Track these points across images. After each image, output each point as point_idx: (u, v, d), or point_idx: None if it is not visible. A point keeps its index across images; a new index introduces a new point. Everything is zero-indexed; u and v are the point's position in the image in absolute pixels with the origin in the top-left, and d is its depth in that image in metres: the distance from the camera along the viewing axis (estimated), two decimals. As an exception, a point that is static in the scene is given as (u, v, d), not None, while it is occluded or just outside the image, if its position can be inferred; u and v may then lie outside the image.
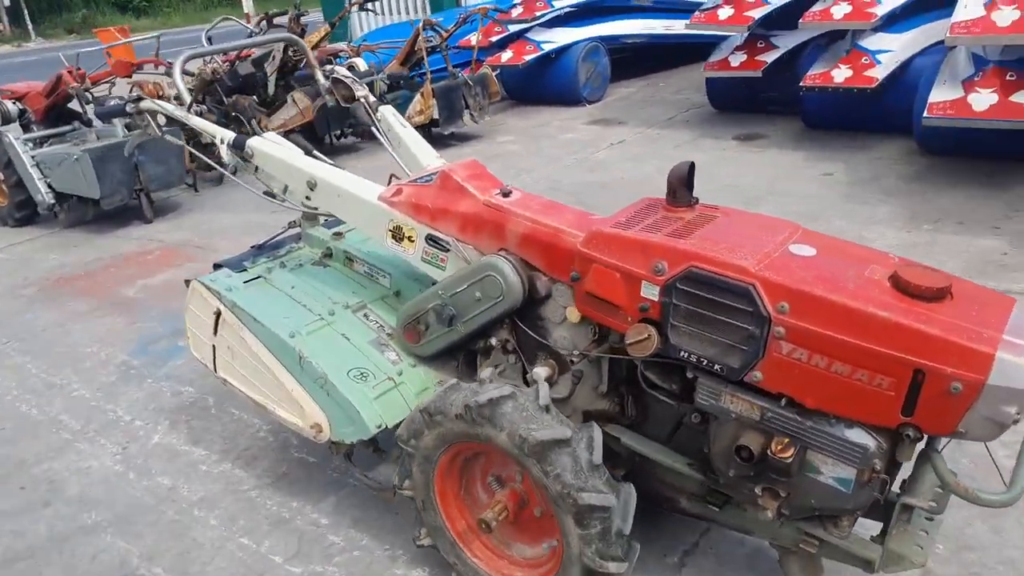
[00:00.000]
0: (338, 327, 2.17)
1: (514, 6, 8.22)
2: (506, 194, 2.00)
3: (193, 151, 3.38)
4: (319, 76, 2.95)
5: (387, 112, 2.66)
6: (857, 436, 1.51)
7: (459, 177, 2.04)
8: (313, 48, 6.84)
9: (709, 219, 1.76)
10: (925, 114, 4.69)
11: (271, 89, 6.50)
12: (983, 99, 4.58)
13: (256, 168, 2.41)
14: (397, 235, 2.10)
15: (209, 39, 6.51)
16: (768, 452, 1.57)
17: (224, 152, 2.38)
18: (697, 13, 6.47)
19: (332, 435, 2.02)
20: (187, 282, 2.39)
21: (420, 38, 6.78)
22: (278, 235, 2.73)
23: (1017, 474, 1.48)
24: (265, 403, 2.17)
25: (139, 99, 2.73)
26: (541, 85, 8.27)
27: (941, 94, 4.78)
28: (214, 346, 2.26)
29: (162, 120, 2.80)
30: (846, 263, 1.59)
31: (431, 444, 1.90)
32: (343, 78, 2.74)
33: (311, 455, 2.75)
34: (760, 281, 1.52)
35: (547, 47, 8.05)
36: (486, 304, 1.93)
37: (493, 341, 2.05)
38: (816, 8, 5.69)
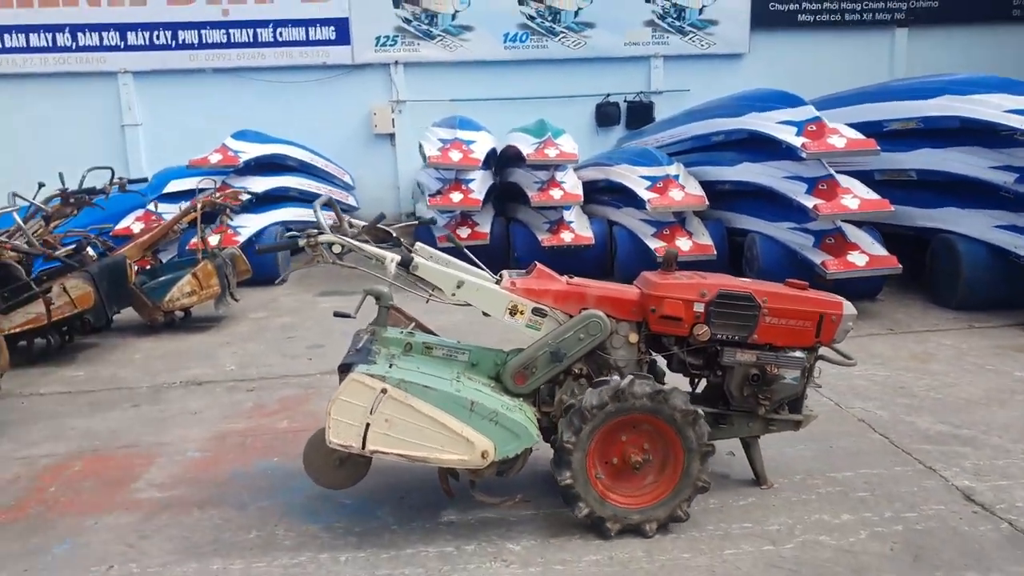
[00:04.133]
0: (468, 385, 2.95)
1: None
2: (571, 278, 3.26)
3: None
4: (346, 225, 3.42)
5: (420, 245, 3.45)
6: (799, 354, 3.13)
7: (547, 270, 3.28)
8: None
9: (693, 274, 3.28)
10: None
11: None
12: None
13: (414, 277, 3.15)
14: (513, 311, 3.12)
15: None
16: (766, 373, 3.10)
17: (392, 269, 3.01)
18: (434, 196, 7.92)
19: (496, 455, 2.79)
20: (343, 374, 2.91)
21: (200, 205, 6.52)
22: (362, 342, 3.15)
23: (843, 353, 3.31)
24: (426, 455, 2.79)
25: (316, 233, 3.06)
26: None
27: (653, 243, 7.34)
28: (368, 424, 2.73)
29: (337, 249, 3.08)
30: (766, 283, 3.26)
31: (588, 433, 2.89)
32: (378, 225, 3.51)
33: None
34: (753, 291, 3.11)
35: (244, 231, 8.26)
36: (587, 341, 3.07)
37: (577, 369, 3.16)
38: (536, 192, 7.82)
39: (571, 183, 8.03)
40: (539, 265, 3.30)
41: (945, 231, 6.58)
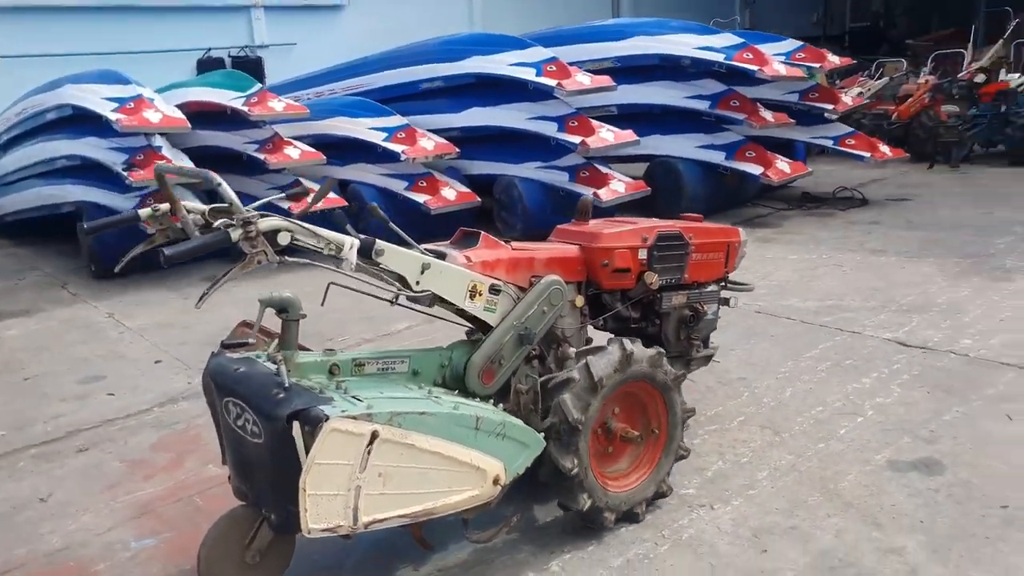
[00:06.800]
0: (448, 399, 2.32)
1: None
2: (508, 242, 2.76)
3: None
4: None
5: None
6: (715, 287, 3.12)
7: (491, 237, 2.71)
8: None
9: (614, 220, 3.20)
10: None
11: None
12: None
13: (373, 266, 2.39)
14: (472, 293, 2.54)
15: None
16: (698, 312, 3.02)
17: (354, 258, 2.28)
18: (133, 171, 6.23)
19: (507, 477, 2.23)
20: (301, 425, 1.97)
21: None
22: (280, 376, 2.15)
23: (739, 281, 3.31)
24: (432, 505, 2.13)
25: (249, 221, 2.07)
26: None
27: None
28: (359, 487, 1.99)
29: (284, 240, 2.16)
30: (681, 221, 3.09)
31: (595, 408, 2.45)
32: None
33: None
34: (682, 229, 2.95)
35: None
36: (550, 313, 2.63)
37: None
38: (264, 153, 6.73)
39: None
40: (483, 233, 2.72)
41: (660, 156, 7.64)
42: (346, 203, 6.69)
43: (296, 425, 1.96)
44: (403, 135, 7.16)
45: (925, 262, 5.71)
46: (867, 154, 7.57)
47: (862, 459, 3.04)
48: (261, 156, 6.70)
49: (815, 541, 2.56)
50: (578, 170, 7.04)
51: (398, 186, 7.16)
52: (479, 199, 7.20)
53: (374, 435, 1.97)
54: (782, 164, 7.23)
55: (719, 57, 7.12)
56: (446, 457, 2.11)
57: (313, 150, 6.94)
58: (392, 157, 7.03)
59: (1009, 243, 6.05)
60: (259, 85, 7.04)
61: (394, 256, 2.38)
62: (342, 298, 2.45)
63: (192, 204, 2.42)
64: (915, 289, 5.07)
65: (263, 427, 2.06)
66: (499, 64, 7.25)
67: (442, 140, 7.27)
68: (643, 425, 2.68)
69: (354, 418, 1.96)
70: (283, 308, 2.26)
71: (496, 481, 2.20)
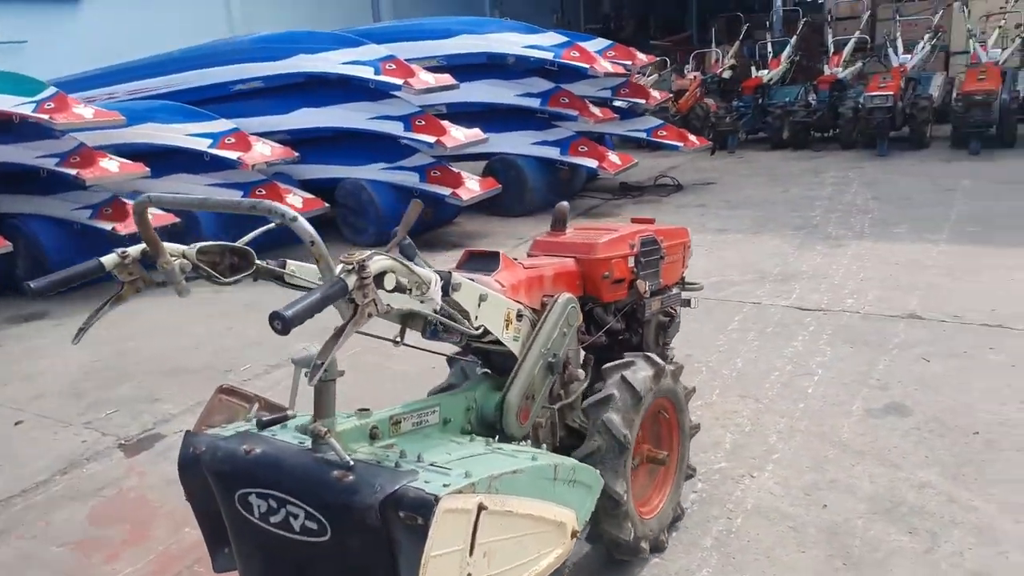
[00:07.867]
0: (508, 448, 2.11)
1: None
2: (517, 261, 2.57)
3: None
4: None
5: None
6: (679, 289, 3.04)
7: (508, 256, 2.43)
8: None
9: (593, 227, 2.91)
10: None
11: None
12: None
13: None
14: (507, 322, 2.28)
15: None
16: (673, 316, 2.96)
17: (438, 295, 1.96)
18: None
19: (579, 526, 2.02)
20: (395, 510, 1.62)
21: None
22: (330, 454, 1.79)
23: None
24: None
25: (364, 265, 1.64)
26: None
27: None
28: (469, 574, 1.71)
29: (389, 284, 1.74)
30: (633, 225, 2.94)
31: (637, 424, 2.37)
32: None
33: None
34: (653, 233, 2.83)
35: None
36: (570, 333, 2.42)
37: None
38: (75, 168, 5.73)
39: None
40: (502, 253, 2.42)
41: (497, 153, 7.72)
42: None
43: (374, 511, 1.61)
44: (232, 140, 6.51)
45: (766, 236, 6.42)
46: (679, 143, 8.29)
47: (843, 412, 3.36)
48: (71, 172, 5.72)
49: (858, 489, 2.80)
50: (428, 170, 6.90)
51: (231, 196, 6.49)
52: (327, 205, 6.78)
53: (480, 508, 1.66)
54: (613, 157, 7.67)
55: (548, 55, 7.37)
56: (536, 518, 1.86)
57: (132, 162, 6.07)
58: (223, 165, 6.37)
59: (821, 215, 7.00)
60: (52, 88, 5.99)
61: (466, 290, 2.07)
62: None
63: (172, 246, 1.93)
64: (776, 260, 5.68)
65: (330, 522, 1.69)
66: (330, 63, 6.86)
67: (277, 145, 6.73)
68: (657, 446, 2.59)
69: (460, 493, 1.63)
70: (318, 368, 1.76)
71: (573, 534, 1.97)
